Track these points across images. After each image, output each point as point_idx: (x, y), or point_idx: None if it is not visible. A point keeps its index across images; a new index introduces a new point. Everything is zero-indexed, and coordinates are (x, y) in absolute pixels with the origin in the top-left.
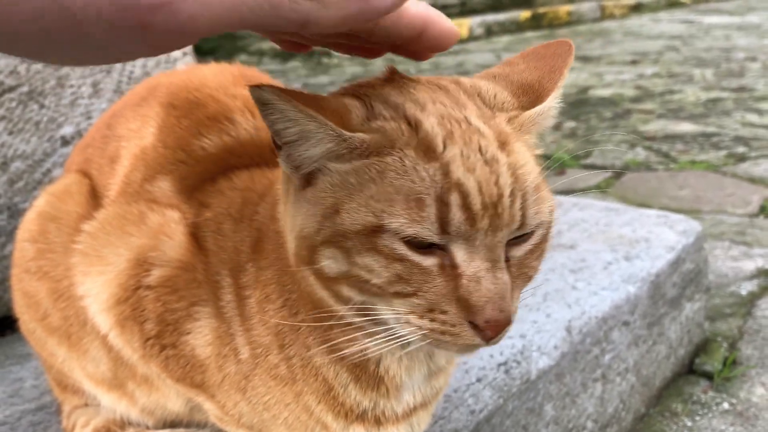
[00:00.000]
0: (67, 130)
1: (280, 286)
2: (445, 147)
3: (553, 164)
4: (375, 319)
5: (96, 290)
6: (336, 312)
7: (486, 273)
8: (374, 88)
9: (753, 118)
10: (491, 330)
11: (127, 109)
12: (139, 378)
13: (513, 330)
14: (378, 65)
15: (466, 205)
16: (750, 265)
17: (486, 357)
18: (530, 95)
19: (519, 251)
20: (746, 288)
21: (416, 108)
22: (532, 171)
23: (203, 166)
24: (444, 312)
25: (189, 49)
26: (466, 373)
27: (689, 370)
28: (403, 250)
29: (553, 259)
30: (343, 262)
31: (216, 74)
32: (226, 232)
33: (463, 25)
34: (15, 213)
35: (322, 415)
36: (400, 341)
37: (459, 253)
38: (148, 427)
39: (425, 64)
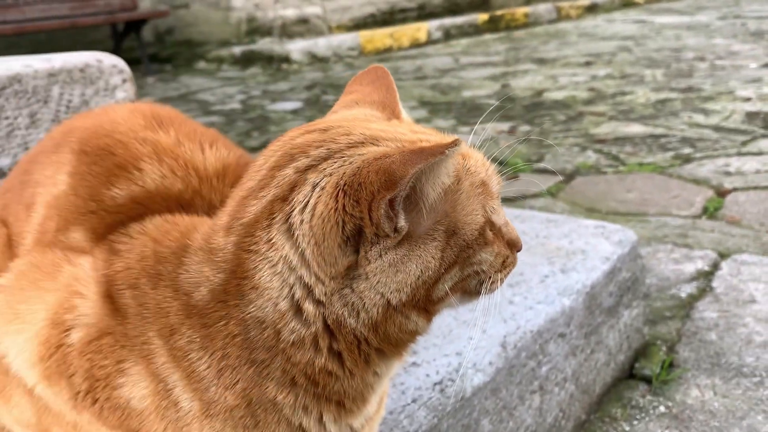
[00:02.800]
0: (4, 161)
1: (246, 359)
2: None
3: (508, 170)
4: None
5: (17, 349)
6: (419, 334)
7: (505, 217)
8: (368, 129)
9: (699, 118)
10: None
11: (43, 154)
12: (65, 424)
13: (449, 348)
14: (336, 70)
15: (495, 172)
16: (690, 268)
17: (422, 377)
18: (386, 109)
19: None
20: (686, 291)
21: (402, 134)
22: None
23: (114, 217)
24: (507, 256)
25: (128, 75)
26: (402, 393)
27: (629, 374)
28: (491, 233)
29: None
30: (457, 273)
31: (127, 118)
32: (143, 289)
33: (421, 29)
34: None
35: None
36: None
37: (493, 215)
38: None
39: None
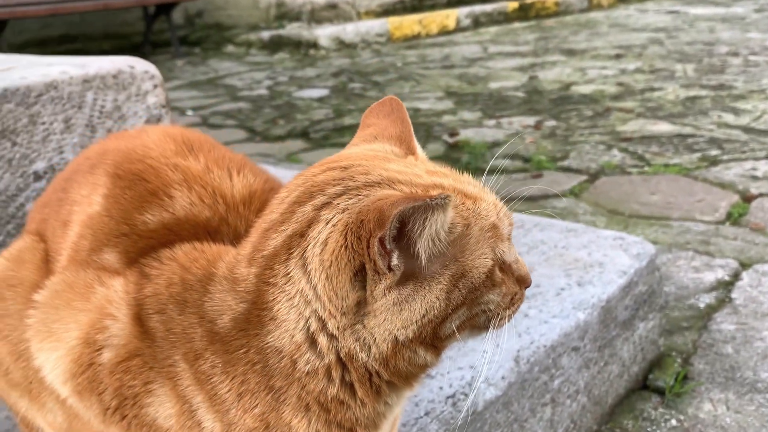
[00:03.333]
0: (40, 165)
1: (265, 385)
2: (466, 187)
3: (532, 167)
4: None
5: (51, 365)
6: (429, 367)
7: (515, 253)
8: (367, 172)
9: (729, 118)
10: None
11: (79, 173)
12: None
13: (463, 361)
14: (364, 57)
15: (505, 213)
16: (710, 277)
17: (435, 389)
18: (403, 144)
19: None
20: (704, 301)
21: (414, 176)
22: None
23: (145, 242)
24: (516, 293)
25: (159, 81)
26: (415, 406)
27: (643, 385)
28: (499, 273)
29: None
30: (465, 313)
31: (159, 142)
32: (171, 314)
33: (450, 16)
34: None
35: None
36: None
37: (504, 251)
38: None
39: (412, 56)
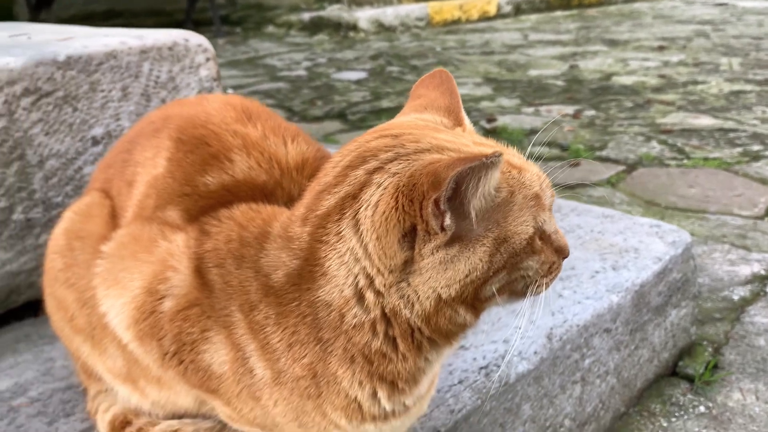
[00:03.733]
0: (98, 131)
1: (314, 337)
2: (512, 157)
3: (569, 156)
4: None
5: (115, 310)
6: (468, 327)
7: (555, 224)
8: (418, 140)
9: None
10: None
11: (143, 137)
12: (151, 377)
13: (497, 335)
14: (403, 40)
15: (548, 184)
16: (746, 270)
17: (469, 360)
18: (451, 115)
19: None
20: (739, 293)
21: (462, 145)
22: None
23: (205, 201)
24: (554, 262)
25: (212, 54)
26: (450, 374)
27: (672, 372)
28: (539, 242)
29: None
30: (504, 277)
31: (220, 110)
32: (228, 268)
33: (491, 2)
34: (49, 206)
35: (336, 419)
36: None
37: (544, 225)
38: (158, 416)
39: (451, 41)
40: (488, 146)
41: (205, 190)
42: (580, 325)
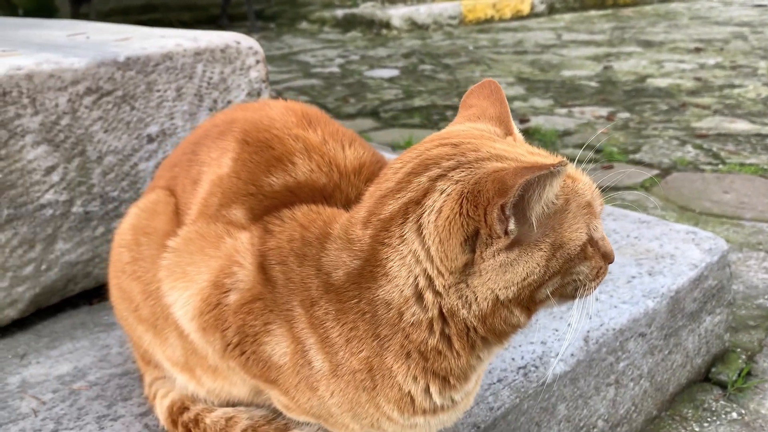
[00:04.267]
0: (153, 129)
1: (372, 333)
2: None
3: (603, 159)
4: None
5: (182, 302)
6: (520, 327)
7: (603, 231)
8: (479, 150)
9: None
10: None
11: (208, 138)
12: (207, 367)
13: (535, 336)
14: (435, 38)
15: (598, 193)
16: None
17: (508, 360)
18: (502, 125)
19: None
20: None
21: (518, 154)
22: None
23: (270, 201)
24: (601, 267)
25: (261, 56)
26: (489, 373)
27: (705, 378)
28: (591, 248)
29: None
30: (558, 281)
31: (282, 115)
32: (290, 265)
33: (525, 1)
34: (106, 200)
35: (389, 411)
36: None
37: (594, 233)
38: (214, 404)
39: (484, 40)
40: (542, 155)
41: (269, 190)
42: (616, 329)
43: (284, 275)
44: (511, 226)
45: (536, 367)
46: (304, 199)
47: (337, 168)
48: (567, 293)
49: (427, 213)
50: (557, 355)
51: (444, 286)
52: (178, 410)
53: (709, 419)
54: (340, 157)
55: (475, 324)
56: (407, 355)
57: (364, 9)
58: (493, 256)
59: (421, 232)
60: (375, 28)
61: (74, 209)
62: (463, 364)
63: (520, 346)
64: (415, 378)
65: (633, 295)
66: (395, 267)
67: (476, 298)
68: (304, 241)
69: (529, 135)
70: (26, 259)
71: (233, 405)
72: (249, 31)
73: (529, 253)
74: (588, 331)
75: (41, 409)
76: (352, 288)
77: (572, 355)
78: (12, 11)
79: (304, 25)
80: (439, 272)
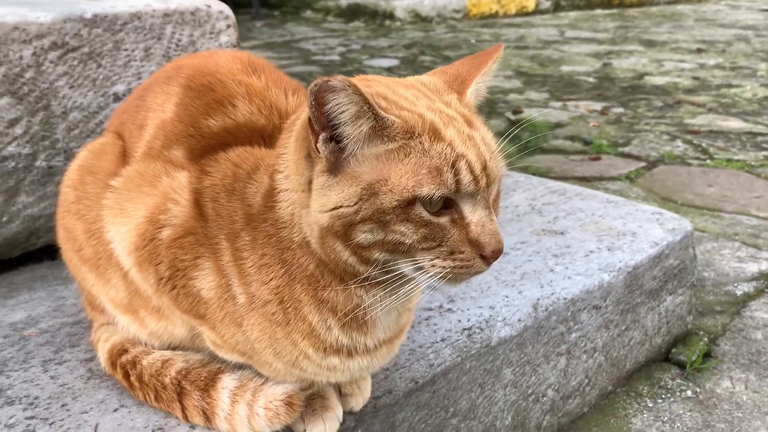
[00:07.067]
0: (120, 87)
1: (278, 258)
2: (445, 130)
3: (591, 150)
4: (396, 273)
5: (119, 237)
6: (359, 272)
7: (487, 219)
8: (370, 86)
9: None
10: (495, 257)
11: (156, 84)
12: (151, 308)
13: (484, 301)
14: (438, 31)
15: (471, 170)
16: (753, 268)
17: (454, 321)
18: (458, 81)
19: (491, 198)
20: (742, 289)
21: (410, 103)
22: (492, 139)
23: (208, 142)
24: (461, 252)
25: (232, 21)
26: (433, 332)
27: (665, 358)
28: (426, 215)
29: (540, 243)
30: (379, 232)
31: (228, 62)
32: (221, 201)
33: None
34: (70, 156)
35: (305, 348)
36: (423, 285)
37: (465, 208)
38: (153, 347)
39: (487, 35)
40: (443, 116)
41: (208, 131)
42: (568, 299)
43: (215, 211)
44: (320, 143)
45: (481, 329)
46: (243, 140)
47: (278, 112)
48: (396, 253)
49: (298, 125)
50: (504, 319)
51: (300, 204)
52: (117, 353)
53: (663, 396)
54: (282, 103)
55: (319, 252)
56: (305, 282)
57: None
58: (318, 176)
59: (292, 145)
60: (378, 18)
61: (37, 163)
62: (346, 300)
63: (468, 309)
64: (313, 308)
65: (588, 268)
66: (282, 180)
67: (309, 221)
68: (235, 178)
69: (521, 126)
70: None
71: (173, 349)
72: (253, 18)
73: (345, 184)
74: (538, 299)
75: None
76: (264, 210)
77: (520, 320)
78: None
79: (308, 13)
80: (295, 189)
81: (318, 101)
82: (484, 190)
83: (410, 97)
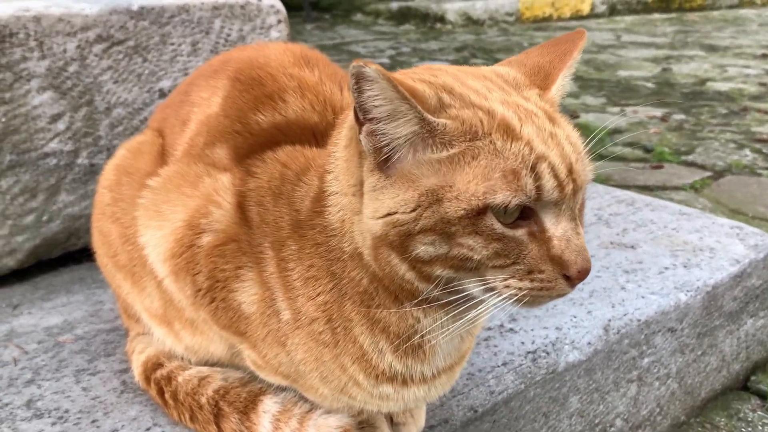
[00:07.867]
0: (165, 83)
1: (326, 271)
2: (522, 127)
3: (652, 158)
4: (463, 294)
5: (154, 242)
6: (418, 291)
7: (572, 232)
8: (436, 77)
9: None
10: (581, 278)
11: (201, 78)
12: (185, 320)
13: (550, 321)
14: (490, 34)
15: (555, 174)
16: None
17: (517, 343)
18: (541, 75)
19: (577, 208)
20: None
21: (480, 97)
22: (579, 138)
23: (255, 139)
24: (541, 271)
25: (283, 16)
26: (494, 355)
27: (743, 386)
28: (499, 227)
29: (609, 257)
30: (442, 246)
31: (279, 54)
32: (267, 206)
33: (585, 1)
34: (113, 154)
35: (355, 373)
36: (495, 308)
37: (547, 219)
38: (190, 362)
39: (540, 38)
40: (521, 111)
41: (256, 128)
42: (642, 320)
43: (260, 216)
44: (362, 135)
45: (547, 353)
46: (293, 137)
47: (332, 108)
48: (462, 270)
49: (349, 115)
50: (572, 342)
51: (351, 210)
52: (152, 366)
53: (743, 429)
54: (337, 98)
55: (373, 265)
56: (356, 299)
57: (419, 2)
58: (368, 175)
59: (343, 140)
60: (429, 21)
61: (79, 161)
62: (400, 321)
63: (532, 330)
64: (364, 328)
65: (664, 286)
66: (332, 182)
67: (362, 229)
68: (283, 179)
69: (578, 131)
70: (27, 208)
71: (212, 365)
72: (304, 21)
73: (400, 187)
74: (609, 320)
75: (23, 358)
76: (312, 216)
77: (589, 343)
78: None
79: (358, 16)
80: (345, 191)
81: (358, 86)
82: (569, 197)
83: (481, 89)
